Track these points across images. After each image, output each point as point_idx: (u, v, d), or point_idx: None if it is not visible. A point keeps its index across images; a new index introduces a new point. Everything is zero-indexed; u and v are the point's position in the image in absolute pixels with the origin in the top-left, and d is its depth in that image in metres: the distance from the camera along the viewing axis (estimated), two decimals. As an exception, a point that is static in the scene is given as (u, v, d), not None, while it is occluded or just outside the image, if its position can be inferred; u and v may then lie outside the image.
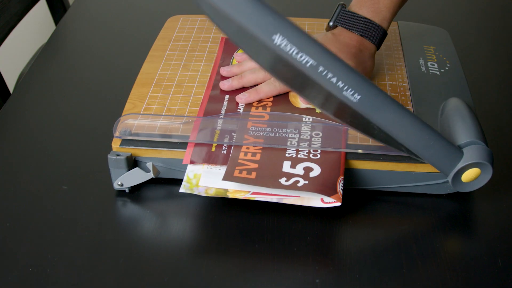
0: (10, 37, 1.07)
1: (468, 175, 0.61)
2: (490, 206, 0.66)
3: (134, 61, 0.85)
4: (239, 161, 0.64)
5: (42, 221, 0.65)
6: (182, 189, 0.62)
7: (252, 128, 0.68)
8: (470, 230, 0.64)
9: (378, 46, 0.76)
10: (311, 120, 0.69)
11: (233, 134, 0.67)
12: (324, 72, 0.55)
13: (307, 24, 0.90)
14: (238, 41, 0.57)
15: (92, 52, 0.94)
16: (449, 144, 0.61)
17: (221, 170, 0.64)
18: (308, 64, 0.54)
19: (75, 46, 0.97)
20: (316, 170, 0.62)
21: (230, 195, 0.61)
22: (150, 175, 0.66)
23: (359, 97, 0.56)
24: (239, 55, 0.82)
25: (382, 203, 0.66)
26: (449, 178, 0.62)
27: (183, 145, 0.67)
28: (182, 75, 0.79)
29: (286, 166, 0.63)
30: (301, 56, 0.54)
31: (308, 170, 0.62)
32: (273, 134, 0.67)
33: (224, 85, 0.75)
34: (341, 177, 0.62)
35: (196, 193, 0.62)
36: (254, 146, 0.64)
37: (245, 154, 0.64)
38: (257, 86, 0.74)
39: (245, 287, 0.57)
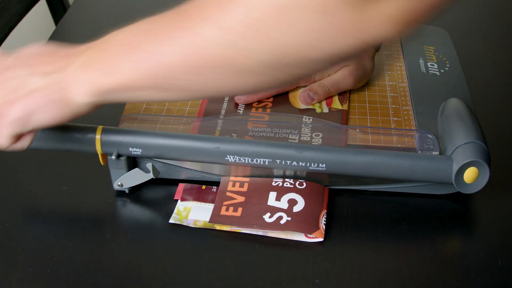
0: (10, 37, 1.07)
1: (469, 176, 0.61)
2: (490, 206, 0.66)
3: (134, 61, 0.85)
4: (227, 193, 0.65)
5: (42, 221, 0.65)
6: (171, 220, 0.64)
7: (252, 129, 0.68)
8: (470, 230, 0.64)
9: (377, 49, 0.76)
10: (311, 120, 0.69)
11: (233, 135, 0.67)
12: (283, 162, 0.62)
13: None
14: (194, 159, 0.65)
15: (92, 52, 0.93)
16: (433, 157, 0.62)
17: (210, 206, 0.65)
18: (266, 162, 0.63)
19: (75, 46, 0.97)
20: (300, 204, 0.63)
21: (218, 227, 0.63)
22: (150, 176, 0.66)
23: (324, 165, 0.62)
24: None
25: (382, 203, 0.66)
26: (454, 183, 0.62)
27: (183, 145, 0.67)
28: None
29: (272, 198, 0.64)
30: (257, 161, 0.62)
31: (292, 203, 0.64)
32: (273, 134, 0.67)
33: (240, 100, 0.74)
34: (324, 211, 0.63)
35: (185, 224, 0.63)
36: (243, 177, 0.67)
37: (233, 184, 0.66)
38: None
39: (245, 287, 0.57)
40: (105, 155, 0.64)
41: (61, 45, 0.58)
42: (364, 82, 0.75)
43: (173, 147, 0.63)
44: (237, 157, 0.62)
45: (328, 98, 0.73)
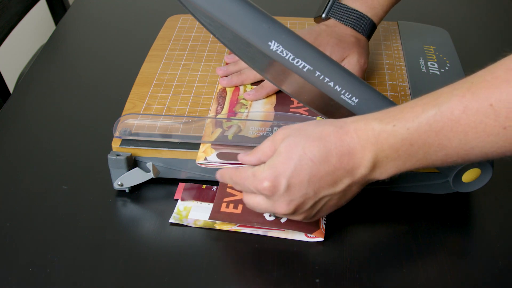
0: (10, 37, 1.07)
1: (469, 176, 0.61)
2: (490, 206, 0.66)
3: (134, 61, 0.85)
4: (227, 190, 0.65)
5: (42, 221, 0.65)
6: (171, 220, 0.64)
7: (252, 128, 0.68)
8: (470, 230, 0.64)
9: (368, 38, 0.78)
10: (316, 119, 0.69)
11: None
12: (321, 77, 0.56)
13: (288, 23, 0.90)
14: (234, 48, 0.57)
15: (92, 52, 0.94)
16: None
17: (210, 205, 0.65)
18: (305, 68, 0.55)
19: (75, 46, 0.97)
20: None
21: (218, 227, 0.63)
22: (150, 175, 0.66)
23: (357, 100, 0.57)
24: (229, 57, 0.81)
25: (382, 203, 0.66)
26: (450, 179, 0.62)
27: (183, 145, 0.67)
28: (182, 74, 0.79)
29: None
30: (297, 62, 0.55)
31: None
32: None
33: (223, 81, 0.75)
34: None
35: (185, 223, 0.63)
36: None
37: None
38: (262, 83, 0.74)
39: (245, 287, 0.57)
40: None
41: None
42: (367, 66, 0.77)
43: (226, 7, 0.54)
44: (281, 48, 0.55)
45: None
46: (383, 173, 0.53)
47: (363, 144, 0.52)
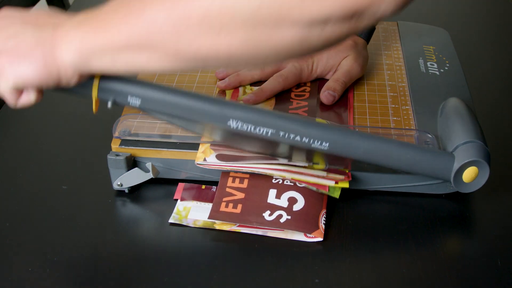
0: (10, 37, 1.07)
1: (469, 175, 0.61)
2: (489, 206, 0.66)
3: (134, 61, 0.85)
4: (227, 189, 0.65)
5: (42, 221, 0.65)
6: (171, 220, 0.64)
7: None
8: (470, 230, 0.64)
9: (367, 41, 0.78)
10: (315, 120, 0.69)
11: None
12: (286, 135, 0.59)
13: None
14: (195, 128, 0.63)
15: (92, 52, 0.93)
16: (435, 152, 0.61)
17: (210, 205, 0.65)
18: (269, 133, 0.59)
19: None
20: (300, 202, 0.63)
21: (217, 227, 0.63)
22: (150, 175, 0.66)
23: (327, 144, 0.59)
24: (219, 72, 0.80)
25: (382, 203, 0.66)
26: (452, 182, 0.62)
27: (182, 145, 0.67)
28: (181, 75, 0.79)
29: (272, 196, 0.64)
30: (260, 130, 0.58)
31: (292, 201, 0.64)
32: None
33: (222, 84, 0.75)
34: (324, 211, 0.63)
35: (184, 223, 0.63)
36: (242, 173, 0.66)
37: (233, 180, 0.65)
38: (261, 85, 0.74)
39: (245, 287, 0.57)
40: (98, 102, 0.59)
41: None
42: (364, 70, 0.77)
43: (175, 103, 0.58)
44: (240, 123, 0.58)
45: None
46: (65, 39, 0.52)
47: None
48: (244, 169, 0.64)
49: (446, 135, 0.65)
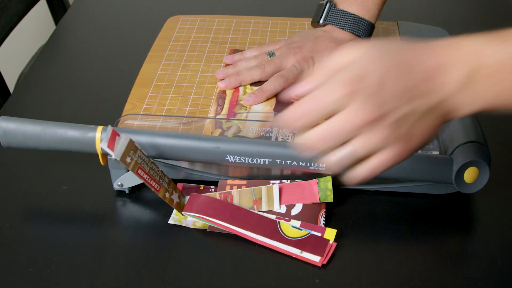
0: (10, 37, 1.07)
1: (470, 176, 0.61)
2: (490, 206, 0.66)
3: (134, 61, 0.85)
4: (226, 189, 0.65)
5: (42, 221, 0.65)
6: (170, 221, 0.63)
7: (252, 129, 0.68)
8: (470, 230, 0.64)
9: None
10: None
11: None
12: (283, 162, 0.62)
13: (288, 23, 0.90)
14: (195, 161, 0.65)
15: (92, 52, 0.94)
16: (432, 158, 0.62)
17: None
18: (267, 162, 0.62)
19: (75, 46, 0.97)
20: (298, 206, 0.63)
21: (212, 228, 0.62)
22: (150, 175, 0.66)
23: (325, 164, 0.58)
24: (228, 58, 0.81)
25: (382, 203, 0.66)
26: (454, 183, 0.62)
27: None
28: (182, 75, 0.79)
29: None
30: (257, 161, 0.62)
31: (290, 206, 0.63)
32: (271, 134, 0.67)
33: (222, 84, 0.75)
34: (323, 210, 0.63)
35: (184, 225, 0.63)
36: (239, 179, 0.66)
37: (231, 187, 0.65)
38: (261, 86, 0.74)
39: (245, 287, 0.57)
40: (105, 155, 0.64)
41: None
42: None
43: (173, 147, 0.63)
44: (237, 157, 0.62)
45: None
46: (471, 98, 0.46)
47: (459, 58, 0.46)
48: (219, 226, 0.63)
49: (446, 135, 0.65)
